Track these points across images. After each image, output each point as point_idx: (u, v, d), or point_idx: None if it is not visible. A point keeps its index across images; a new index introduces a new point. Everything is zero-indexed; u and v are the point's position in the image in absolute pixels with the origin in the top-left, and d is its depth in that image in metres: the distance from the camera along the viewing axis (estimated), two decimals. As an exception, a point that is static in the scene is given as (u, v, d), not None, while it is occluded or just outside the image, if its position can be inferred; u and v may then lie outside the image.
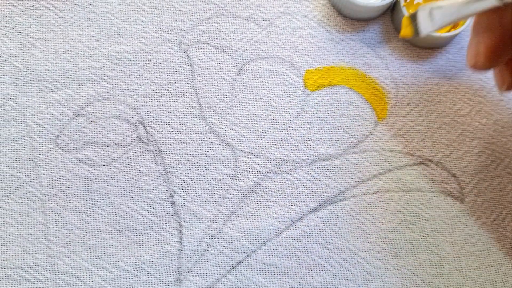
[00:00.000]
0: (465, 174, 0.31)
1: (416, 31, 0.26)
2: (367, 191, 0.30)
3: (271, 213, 0.29)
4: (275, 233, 0.29)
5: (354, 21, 0.33)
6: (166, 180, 0.29)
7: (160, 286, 0.28)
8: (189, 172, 0.29)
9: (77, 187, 0.29)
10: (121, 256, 0.28)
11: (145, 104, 0.30)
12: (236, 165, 0.30)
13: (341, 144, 0.31)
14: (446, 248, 0.30)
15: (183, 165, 0.30)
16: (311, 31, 0.33)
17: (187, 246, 0.28)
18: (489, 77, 0.33)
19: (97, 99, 0.30)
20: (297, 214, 0.29)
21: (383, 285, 0.29)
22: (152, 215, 0.29)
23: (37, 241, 0.28)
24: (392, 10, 0.34)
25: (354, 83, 0.32)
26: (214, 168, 0.30)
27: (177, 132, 0.30)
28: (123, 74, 0.31)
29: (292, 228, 0.29)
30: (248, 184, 0.30)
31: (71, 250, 0.28)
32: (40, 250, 0.28)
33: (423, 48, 0.33)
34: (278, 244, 0.29)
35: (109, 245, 0.28)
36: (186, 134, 0.30)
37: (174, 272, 0.28)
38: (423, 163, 0.31)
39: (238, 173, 0.30)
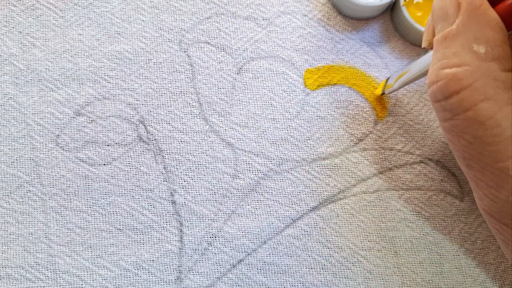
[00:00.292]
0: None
1: (383, 91, 0.31)
2: (367, 189, 0.30)
3: (272, 212, 0.29)
4: (275, 232, 0.29)
5: (354, 20, 0.33)
6: (167, 179, 0.29)
7: (161, 284, 0.28)
8: (189, 171, 0.29)
9: (77, 186, 0.29)
10: (121, 255, 0.28)
11: (146, 103, 0.30)
12: (236, 164, 0.30)
13: (341, 143, 0.31)
14: (445, 247, 0.30)
15: (183, 164, 0.30)
16: (311, 30, 0.33)
17: (188, 245, 0.28)
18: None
19: (98, 99, 0.30)
20: (297, 212, 0.29)
21: (383, 283, 0.29)
22: (153, 214, 0.29)
23: (38, 240, 0.28)
24: (391, 10, 0.34)
25: (354, 82, 0.32)
26: (215, 167, 0.30)
27: (177, 131, 0.30)
28: (123, 73, 0.31)
29: (292, 226, 0.29)
30: (248, 183, 0.30)
31: (72, 249, 0.28)
32: (41, 249, 0.28)
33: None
34: (279, 242, 0.29)
35: (110, 244, 0.28)
36: (187, 133, 0.30)
37: (175, 271, 0.28)
38: (422, 162, 0.31)
39: (239, 172, 0.30)
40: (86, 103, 0.30)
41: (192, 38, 0.32)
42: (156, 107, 0.30)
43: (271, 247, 0.29)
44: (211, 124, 0.30)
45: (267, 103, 0.31)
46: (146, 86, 0.31)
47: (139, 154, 0.29)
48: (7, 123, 0.29)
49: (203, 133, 0.30)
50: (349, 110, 0.32)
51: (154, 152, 0.30)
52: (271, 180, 0.30)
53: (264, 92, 0.31)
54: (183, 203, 0.29)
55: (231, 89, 0.31)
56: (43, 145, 0.29)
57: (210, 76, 0.31)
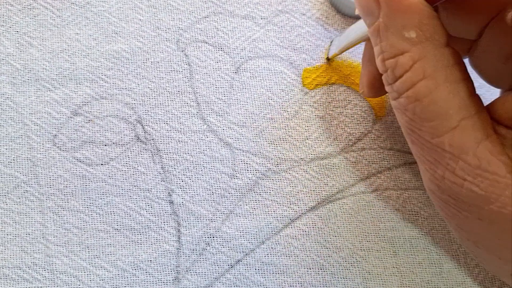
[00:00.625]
0: (464, 172, 0.31)
1: (327, 54, 0.32)
2: (365, 189, 0.30)
3: (270, 212, 0.29)
4: (273, 232, 0.29)
5: (353, 19, 0.33)
6: (164, 179, 0.29)
7: (159, 285, 0.28)
8: (187, 171, 0.29)
9: (75, 186, 0.29)
10: (119, 255, 0.28)
11: (143, 103, 0.30)
12: (234, 164, 0.30)
13: (340, 143, 0.31)
14: (445, 247, 0.30)
15: (181, 164, 0.29)
16: (309, 29, 0.33)
17: (186, 245, 0.28)
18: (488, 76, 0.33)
19: (95, 98, 0.30)
20: (295, 212, 0.29)
21: (382, 284, 0.29)
22: (150, 214, 0.29)
23: (35, 241, 0.28)
24: (390, 8, 0.34)
25: (352, 81, 0.32)
26: (212, 167, 0.30)
27: (175, 131, 0.30)
28: (120, 73, 0.31)
29: (290, 226, 0.29)
30: (246, 182, 0.30)
31: (69, 250, 0.28)
32: (38, 250, 0.28)
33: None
34: (277, 243, 0.29)
35: (107, 244, 0.28)
36: (184, 133, 0.30)
37: (173, 271, 0.28)
38: (421, 161, 0.31)
39: (237, 172, 0.30)
40: (84, 103, 0.30)
41: (190, 37, 0.32)
42: (154, 106, 0.30)
43: (269, 247, 0.29)
44: (209, 123, 0.30)
45: (265, 102, 0.31)
46: (143, 86, 0.31)
47: (137, 154, 0.29)
48: (4, 123, 0.29)
49: (201, 132, 0.30)
50: (347, 109, 0.31)
51: (151, 152, 0.30)
52: (269, 180, 0.30)
53: (262, 92, 0.31)
54: (180, 203, 0.29)
55: (229, 89, 0.31)
56: (40, 145, 0.29)
57: (208, 76, 0.31)
